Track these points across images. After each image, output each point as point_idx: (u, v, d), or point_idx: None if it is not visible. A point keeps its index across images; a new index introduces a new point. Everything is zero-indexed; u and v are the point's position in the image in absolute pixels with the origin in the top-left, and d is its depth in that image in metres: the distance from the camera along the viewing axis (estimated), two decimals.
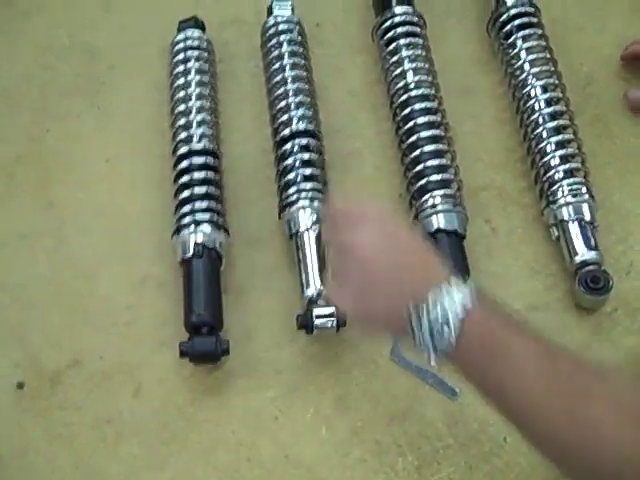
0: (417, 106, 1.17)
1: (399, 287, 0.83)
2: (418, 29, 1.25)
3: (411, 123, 1.16)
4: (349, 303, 0.87)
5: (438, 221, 1.10)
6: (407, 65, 1.21)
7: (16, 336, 1.08)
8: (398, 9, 1.26)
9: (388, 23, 1.25)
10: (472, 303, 0.78)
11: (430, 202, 1.11)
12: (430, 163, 1.13)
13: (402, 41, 1.23)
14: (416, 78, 1.20)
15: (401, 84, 1.20)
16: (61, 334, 1.08)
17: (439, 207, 1.10)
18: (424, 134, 1.15)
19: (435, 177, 1.12)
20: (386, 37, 1.24)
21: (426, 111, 1.17)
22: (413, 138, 1.15)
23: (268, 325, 1.09)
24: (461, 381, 1.03)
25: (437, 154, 1.14)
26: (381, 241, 0.86)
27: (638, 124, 1.23)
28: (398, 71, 1.21)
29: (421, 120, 1.16)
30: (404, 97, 1.19)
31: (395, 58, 1.22)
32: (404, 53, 1.22)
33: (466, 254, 1.09)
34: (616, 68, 1.28)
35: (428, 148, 1.14)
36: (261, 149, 1.20)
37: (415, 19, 1.26)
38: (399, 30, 1.24)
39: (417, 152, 1.14)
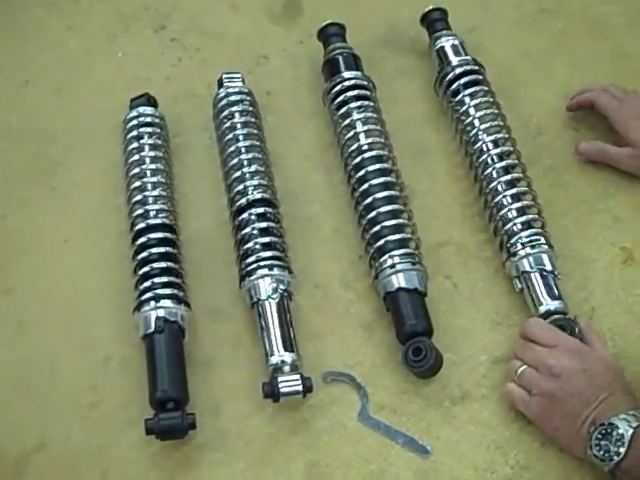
0: (371, 168, 1.18)
1: (585, 408, 0.98)
2: (368, 92, 1.27)
3: (366, 185, 1.17)
4: (534, 411, 1.02)
5: (398, 280, 1.10)
6: (359, 127, 1.22)
7: None
8: (347, 74, 1.28)
9: (338, 87, 1.27)
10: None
11: (389, 262, 1.11)
12: (387, 223, 1.14)
13: (353, 104, 1.24)
14: (369, 140, 1.21)
15: (354, 146, 1.21)
16: (25, 419, 1.07)
17: (398, 267, 1.11)
18: (379, 195, 1.16)
19: (393, 237, 1.13)
20: (337, 101, 1.26)
21: (380, 172, 1.18)
22: (369, 199, 1.16)
23: (235, 396, 1.08)
24: (432, 438, 1.04)
25: (393, 214, 1.15)
26: (575, 365, 1.01)
27: (590, 172, 1.26)
28: (351, 134, 1.22)
29: (376, 181, 1.17)
30: (358, 159, 1.20)
31: (347, 121, 1.24)
32: (355, 116, 1.23)
33: (428, 311, 1.09)
34: (565, 118, 1.31)
35: (384, 209, 1.15)
36: (219, 220, 1.21)
37: (364, 82, 1.27)
38: (349, 94, 1.25)
39: (374, 213, 1.15)
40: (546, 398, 1.01)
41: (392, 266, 1.11)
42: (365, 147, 1.21)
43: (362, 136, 1.22)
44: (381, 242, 1.13)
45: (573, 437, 0.99)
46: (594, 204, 1.23)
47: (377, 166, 1.19)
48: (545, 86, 1.34)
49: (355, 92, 1.26)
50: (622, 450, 0.93)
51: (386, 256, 1.12)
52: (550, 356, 1.03)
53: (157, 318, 1.07)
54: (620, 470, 0.94)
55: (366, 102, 1.25)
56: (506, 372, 1.07)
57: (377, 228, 1.14)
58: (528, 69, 1.37)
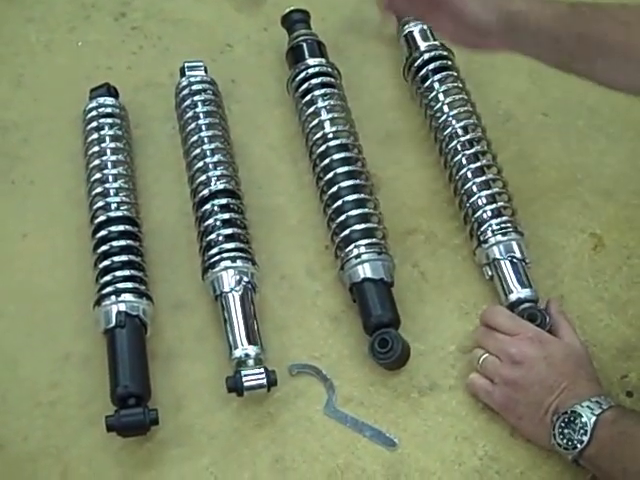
0: (336, 156, 1.17)
1: (547, 396, 0.98)
2: (332, 79, 1.25)
3: (331, 174, 1.15)
4: (498, 401, 1.02)
5: (364, 271, 1.09)
6: (324, 116, 1.20)
7: None
8: (311, 61, 1.26)
9: (302, 75, 1.25)
10: (605, 415, 0.93)
11: (355, 252, 1.10)
12: (353, 213, 1.12)
13: (317, 92, 1.22)
14: (333, 128, 1.19)
15: (319, 135, 1.19)
16: None
17: (364, 257, 1.09)
18: (345, 184, 1.14)
19: (358, 226, 1.11)
20: (301, 89, 1.24)
21: (345, 161, 1.16)
22: (334, 189, 1.14)
23: (199, 390, 1.06)
24: (400, 430, 1.03)
25: (359, 203, 1.13)
26: (536, 352, 1.00)
27: (559, 157, 1.24)
28: (315, 122, 1.20)
29: (341, 170, 1.15)
30: (323, 148, 1.18)
31: (312, 109, 1.21)
32: (320, 104, 1.21)
33: (395, 301, 1.08)
34: (533, 103, 1.29)
35: (349, 198, 1.13)
36: (182, 211, 1.19)
37: (329, 70, 1.25)
38: (314, 81, 1.23)
39: (339, 202, 1.13)
40: (509, 386, 1.01)
41: (357, 256, 1.09)
42: (330, 135, 1.19)
43: (327, 124, 1.20)
44: (346, 232, 1.11)
45: (537, 426, 0.99)
46: (563, 190, 1.21)
47: (342, 154, 1.17)
48: (513, 71, 1.32)
49: (319, 79, 1.24)
50: (585, 438, 0.92)
51: (352, 246, 1.10)
52: (511, 344, 1.02)
53: (118, 312, 1.05)
54: (584, 458, 0.93)
55: (331, 89, 1.23)
56: (470, 361, 1.06)
57: (342, 217, 1.12)
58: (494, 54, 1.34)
